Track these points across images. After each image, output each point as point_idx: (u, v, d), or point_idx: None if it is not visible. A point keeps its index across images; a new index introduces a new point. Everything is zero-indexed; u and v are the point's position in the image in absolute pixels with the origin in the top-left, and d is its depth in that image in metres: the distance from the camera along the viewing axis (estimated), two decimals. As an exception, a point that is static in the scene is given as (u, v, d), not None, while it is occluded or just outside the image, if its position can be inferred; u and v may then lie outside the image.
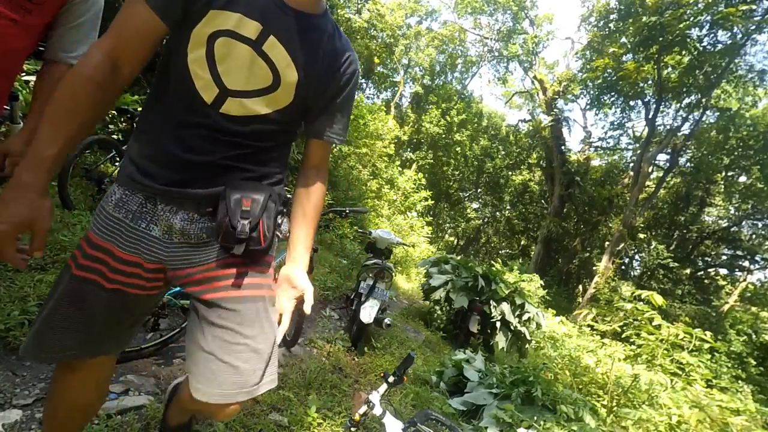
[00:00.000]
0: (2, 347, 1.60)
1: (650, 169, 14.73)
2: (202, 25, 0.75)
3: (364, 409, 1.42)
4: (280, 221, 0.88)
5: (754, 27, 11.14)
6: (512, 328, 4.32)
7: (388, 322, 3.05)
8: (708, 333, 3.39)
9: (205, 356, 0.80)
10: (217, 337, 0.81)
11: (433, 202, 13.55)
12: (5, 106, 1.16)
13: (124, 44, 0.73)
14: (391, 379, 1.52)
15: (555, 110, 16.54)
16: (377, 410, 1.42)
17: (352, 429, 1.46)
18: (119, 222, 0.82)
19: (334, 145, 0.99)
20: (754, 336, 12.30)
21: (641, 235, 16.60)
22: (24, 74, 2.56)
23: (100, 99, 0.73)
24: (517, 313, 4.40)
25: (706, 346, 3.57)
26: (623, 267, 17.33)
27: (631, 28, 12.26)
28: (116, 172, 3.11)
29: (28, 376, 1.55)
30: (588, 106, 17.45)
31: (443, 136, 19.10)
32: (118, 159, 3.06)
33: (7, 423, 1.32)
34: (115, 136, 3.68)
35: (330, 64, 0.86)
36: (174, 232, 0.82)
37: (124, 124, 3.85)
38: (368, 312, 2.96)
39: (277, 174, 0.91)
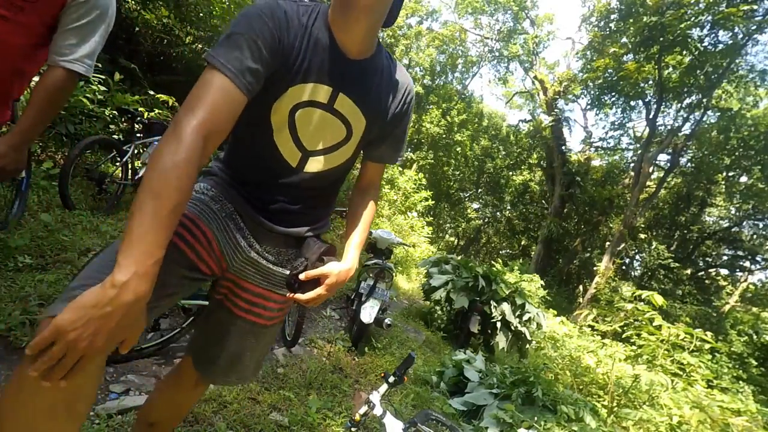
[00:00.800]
0: (3, 347, 1.61)
1: (651, 170, 14.71)
2: (283, 101, 0.82)
3: (364, 409, 1.42)
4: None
5: (755, 27, 11.12)
6: (513, 328, 4.32)
7: (389, 322, 3.05)
8: (709, 333, 3.39)
9: (230, 352, 0.97)
10: (242, 344, 0.97)
11: (433, 202, 13.52)
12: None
13: (215, 120, 0.69)
14: (391, 379, 1.52)
15: (555, 110, 16.53)
16: (378, 410, 1.42)
17: (353, 429, 1.46)
18: (213, 211, 0.87)
19: None
20: (755, 336, 12.28)
21: (642, 236, 16.58)
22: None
23: (195, 177, 0.67)
24: (518, 313, 4.40)
25: (707, 346, 3.56)
26: (624, 267, 17.31)
27: (631, 28, 12.25)
28: (117, 171, 3.12)
29: (29, 376, 1.55)
30: (588, 107, 17.46)
31: (444, 136, 19.09)
32: (119, 159, 3.06)
33: (8, 423, 1.32)
34: (116, 136, 3.69)
35: (391, 99, 0.91)
36: (253, 250, 0.91)
37: (125, 124, 3.86)
38: (369, 312, 2.96)
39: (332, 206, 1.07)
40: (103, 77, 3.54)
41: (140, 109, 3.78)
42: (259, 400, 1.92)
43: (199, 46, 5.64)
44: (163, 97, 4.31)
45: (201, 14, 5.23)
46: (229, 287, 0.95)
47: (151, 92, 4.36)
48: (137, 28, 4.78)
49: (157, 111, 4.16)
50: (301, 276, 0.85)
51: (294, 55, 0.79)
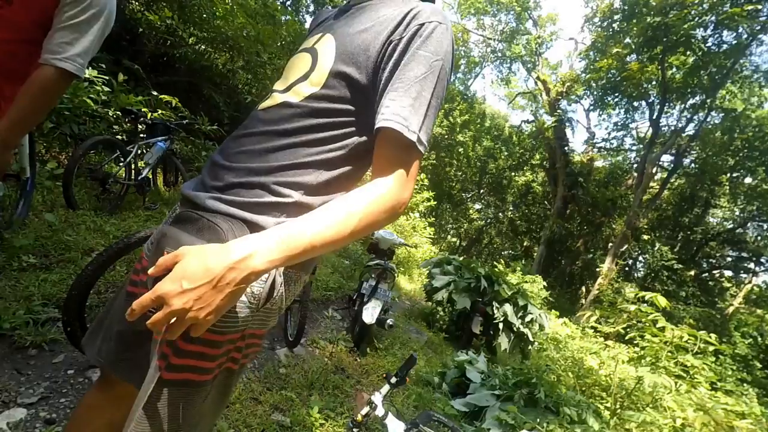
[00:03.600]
0: (7, 346, 1.61)
1: (654, 170, 14.65)
2: None
3: (366, 409, 1.42)
4: None
5: (759, 27, 11.06)
6: (515, 329, 4.31)
7: (391, 323, 3.05)
8: (713, 335, 3.36)
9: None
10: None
11: (435, 203, 13.51)
12: None
13: None
14: (393, 380, 1.51)
15: (558, 111, 16.49)
16: (379, 411, 1.41)
17: (354, 430, 1.46)
18: None
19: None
20: (759, 338, 12.20)
21: (645, 237, 16.49)
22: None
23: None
24: (520, 314, 4.39)
25: (711, 348, 3.53)
26: (627, 268, 17.23)
27: (635, 28, 12.20)
28: (120, 172, 3.13)
29: (32, 375, 1.55)
30: (591, 107, 17.40)
31: (446, 136, 19.09)
32: (122, 159, 3.07)
33: (12, 421, 1.33)
34: (119, 137, 3.71)
35: (376, 31, 0.68)
36: None
37: (128, 124, 3.88)
38: (370, 313, 2.96)
39: None
40: (106, 78, 3.56)
41: (143, 109, 3.80)
42: (261, 401, 1.92)
43: (202, 47, 5.67)
44: (166, 97, 4.33)
45: (204, 15, 5.26)
46: None
47: (155, 93, 4.38)
48: (141, 30, 4.81)
49: (160, 112, 4.18)
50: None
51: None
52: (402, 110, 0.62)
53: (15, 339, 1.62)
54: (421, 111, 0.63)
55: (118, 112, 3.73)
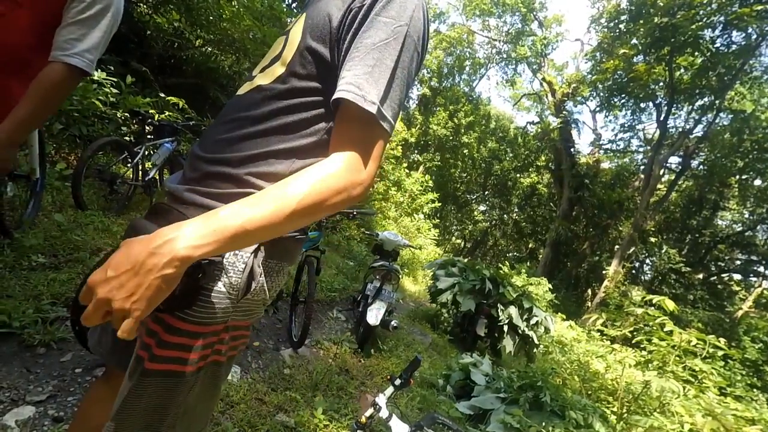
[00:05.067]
0: (17, 344, 1.63)
1: (662, 172, 14.52)
2: None
3: (370, 411, 1.41)
4: None
5: (769, 27, 10.93)
6: (520, 332, 4.28)
7: (395, 325, 3.04)
8: (722, 339, 3.31)
9: None
10: None
11: (440, 204, 13.50)
12: None
13: None
14: (397, 381, 1.51)
15: (564, 112, 16.40)
16: (384, 413, 1.41)
17: (359, 431, 1.45)
18: None
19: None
20: (769, 343, 12.00)
21: (652, 239, 16.31)
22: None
23: None
24: (525, 316, 4.36)
25: (720, 353, 3.48)
26: (633, 271, 17.05)
27: (642, 29, 12.11)
28: (128, 172, 3.17)
29: (41, 373, 1.57)
30: (598, 108, 17.29)
31: (451, 138, 19.05)
32: (130, 160, 3.11)
33: (21, 419, 1.34)
34: (127, 138, 3.75)
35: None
36: None
37: (135, 126, 3.92)
38: (375, 314, 2.96)
39: None
40: (115, 80, 3.61)
41: (151, 111, 3.84)
42: (265, 401, 1.93)
43: (209, 49, 5.72)
44: (173, 99, 4.38)
45: (211, 18, 5.31)
46: None
47: (162, 94, 4.42)
48: (149, 32, 4.87)
49: (167, 113, 4.22)
50: None
51: None
52: (356, 78, 0.55)
53: (24, 337, 1.64)
54: (381, 81, 0.56)
55: (126, 114, 3.77)
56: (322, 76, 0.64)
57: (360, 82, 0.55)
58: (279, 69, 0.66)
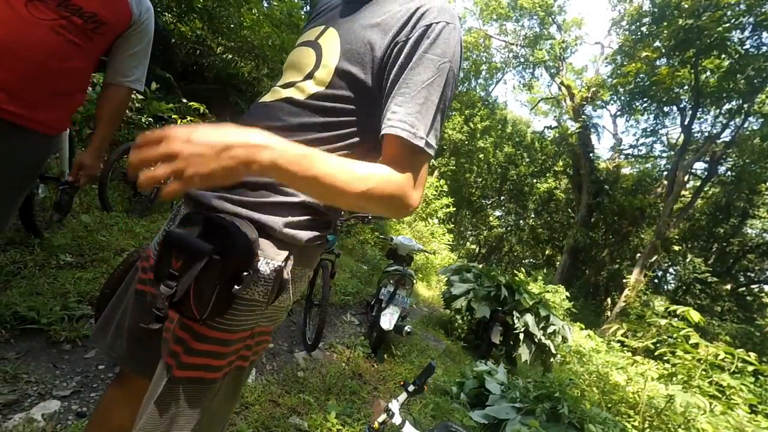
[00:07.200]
0: (44, 340, 1.70)
1: (686, 178, 13.99)
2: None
3: (383, 417, 1.41)
4: None
5: (802, 28, 10.46)
6: (536, 340, 4.19)
7: (408, 330, 3.02)
8: (752, 354, 3.16)
9: None
10: None
11: (454, 209, 13.38)
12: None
13: None
14: (411, 387, 1.49)
15: (583, 117, 16.06)
16: (396, 419, 1.40)
17: (371, 437, 1.44)
18: None
19: None
20: (804, 359, 11.35)
21: (676, 248, 15.73)
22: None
23: None
24: (542, 325, 4.26)
25: (750, 368, 3.32)
26: (656, 280, 16.47)
27: (665, 31, 11.77)
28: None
29: (66, 369, 1.63)
30: (618, 113, 16.86)
31: (466, 142, 18.91)
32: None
33: (47, 413, 1.39)
34: (150, 142, 3.87)
35: (381, 32, 0.66)
36: None
37: (159, 130, 4.04)
38: (388, 319, 2.95)
39: None
40: (141, 87, 3.75)
41: (174, 116, 3.96)
42: (279, 403, 1.94)
43: (229, 56, 5.87)
44: (194, 104, 4.51)
45: (232, 26, 5.46)
46: None
47: (184, 100, 4.56)
48: (173, 40, 5.04)
49: (189, 118, 4.35)
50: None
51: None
52: (408, 117, 0.61)
53: (51, 334, 1.71)
54: (428, 116, 0.62)
55: (150, 119, 3.90)
56: (358, 99, 0.68)
57: (413, 121, 0.61)
58: (313, 87, 0.69)
